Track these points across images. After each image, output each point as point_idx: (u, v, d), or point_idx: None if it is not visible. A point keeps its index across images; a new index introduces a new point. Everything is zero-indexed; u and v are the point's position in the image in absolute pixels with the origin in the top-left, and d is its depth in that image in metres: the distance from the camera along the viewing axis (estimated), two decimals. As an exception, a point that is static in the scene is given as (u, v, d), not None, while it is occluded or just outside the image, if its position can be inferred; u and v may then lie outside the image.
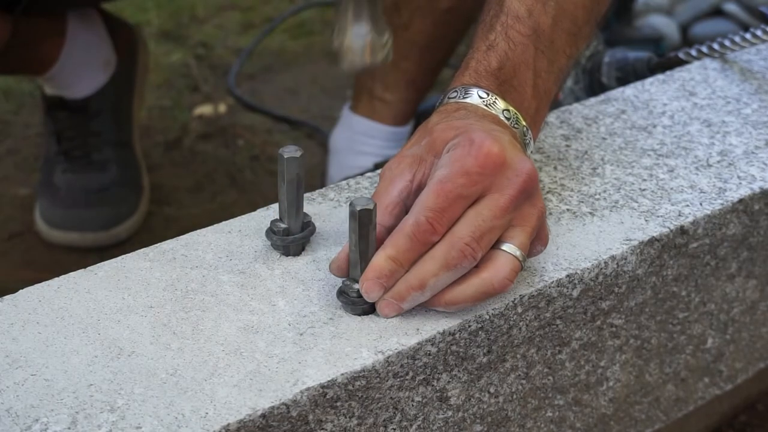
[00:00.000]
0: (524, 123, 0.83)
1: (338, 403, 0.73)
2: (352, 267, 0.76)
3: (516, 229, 0.76)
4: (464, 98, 0.82)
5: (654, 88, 1.08)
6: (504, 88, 0.83)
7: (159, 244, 0.84)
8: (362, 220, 0.74)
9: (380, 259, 0.74)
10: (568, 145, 0.98)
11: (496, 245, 0.75)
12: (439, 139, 0.78)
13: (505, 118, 0.81)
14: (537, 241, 0.78)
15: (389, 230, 0.76)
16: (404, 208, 0.77)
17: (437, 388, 0.79)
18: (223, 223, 0.86)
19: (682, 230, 0.89)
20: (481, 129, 0.77)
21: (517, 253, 0.75)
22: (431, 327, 0.76)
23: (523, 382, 0.85)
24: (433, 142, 0.78)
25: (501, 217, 0.74)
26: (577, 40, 0.89)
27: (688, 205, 0.90)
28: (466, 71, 0.84)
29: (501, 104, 0.82)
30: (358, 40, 0.67)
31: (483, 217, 0.74)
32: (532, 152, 0.85)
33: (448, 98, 0.83)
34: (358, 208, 0.73)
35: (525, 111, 0.83)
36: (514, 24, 0.85)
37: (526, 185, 0.75)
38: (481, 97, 0.82)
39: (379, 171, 0.85)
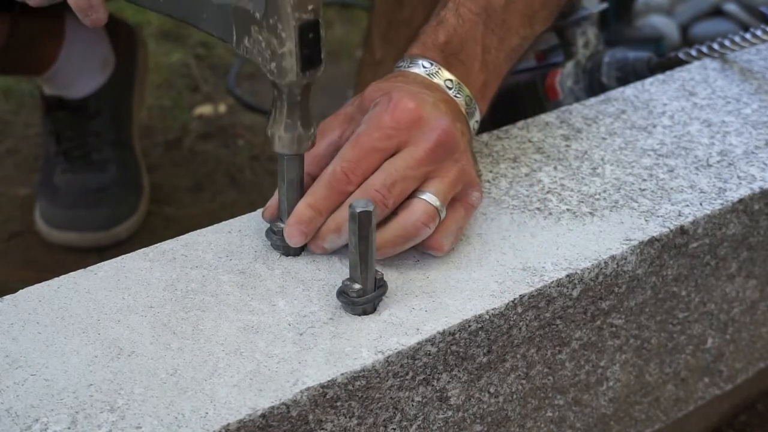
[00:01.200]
0: (468, 93, 0.88)
1: (338, 403, 0.73)
2: (352, 267, 0.76)
3: (433, 180, 0.81)
4: (408, 67, 0.88)
5: (654, 88, 1.08)
6: (450, 61, 0.88)
7: (159, 244, 0.84)
8: (362, 222, 0.74)
9: (301, 207, 0.80)
10: (568, 145, 0.98)
11: (413, 195, 0.80)
12: (367, 99, 0.84)
13: (447, 87, 0.87)
14: (469, 188, 0.83)
15: (314, 179, 0.81)
16: (330, 160, 0.82)
17: (437, 388, 0.79)
18: (223, 223, 0.86)
19: (682, 230, 0.89)
20: (403, 90, 0.83)
21: (432, 199, 0.80)
22: (431, 327, 0.76)
23: (523, 382, 0.85)
24: (362, 102, 0.85)
25: (415, 168, 0.80)
26: (532, 21, 0.94)
27: (688, 205, 0.90)
28: (416, 43, 0.90)
29: (445, 74, 0.87)
30: (288, 132, 0.78)
31: (395, 167, 0.79)
32: (477, 122, 0.89)
33: (396, 67, 0.89)
34: (358, 210, 0.73)
35: (471, 83, 0.88)
36: (465, 2, 0.90)
37: (442, 140, 0.81)
38: (424, 67, 0.87)
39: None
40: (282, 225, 0.82)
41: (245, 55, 0.77)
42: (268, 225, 0.83)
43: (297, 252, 0.83)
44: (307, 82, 0.76)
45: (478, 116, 0.89)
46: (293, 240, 0.80)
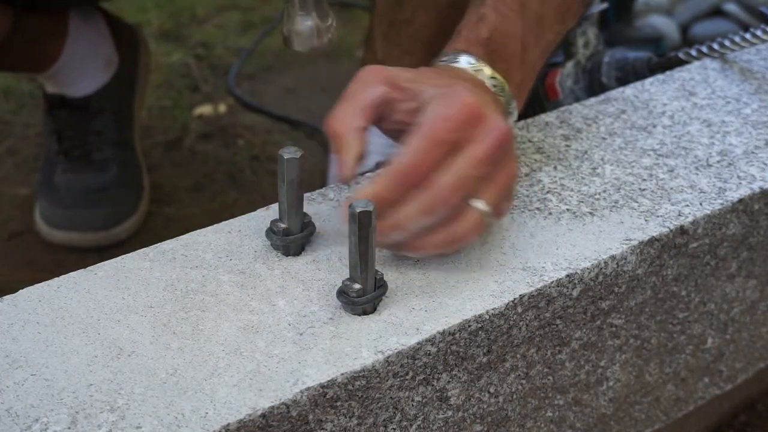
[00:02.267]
0: (509, 92, 0.86)
1: (338, 403, 0.73)
2: (352, 268, 0.76)
3: (488, 185, 0.79)
4: (454, 62, 0.86)
5: (654, 88, 1.08)
6: (492, 57, 0.86)
7: (159, 244, 0.84)
8: (362, 222, 0.74)
9: (363, 194, 0.77)
10: (568, 145, 0.98)
11: (466, 198, 0.78)
12: (426, 77, 0.82)
13: (492, 85, 0.85)
14: (506, 201, 0.82)
15: (360, 131, 0.79)
16: (376, 114, 0.80)
17: (437, 388, 0.79)
18: (223, 223, 0.86)
19: (682, 230, 0.89)
20: (464, 86, 0.81)
21: (486, 208, 0.78)
22: (431, 327, 0.76)
23: (523, 382, 0.85)
24: (420, 77, 0.82)
25: (478, 168, 0.77)
26: (565, 17, 0.93)
27: (688, 205, 0.90)
28: (457, 39, 0.88)
29: (488, 71, 0.86)
30: (305, 26, 0.73)
31: (460, 166, 0.77)
32: (515, 122, 0.89)
33: (440, 61, 0.87)
34: (358, 210, 0.73)
35: (511, 81, 0.87)
36: None
37: (502, 141, 0.78)
38: (470, 63, 0.86)
39: (379, 171, 0.86)
40: (282, 225, 0.82)
41: None
42: (268, 225, 0.83)
43: (297, 252, 0.83)
44: None
45: (515, 116, 0.88)
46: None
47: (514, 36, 0.88)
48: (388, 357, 0.74)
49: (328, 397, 0.72)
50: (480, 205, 0.78)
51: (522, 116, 1.02)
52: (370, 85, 0.81)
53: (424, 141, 0.77)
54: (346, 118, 0.80)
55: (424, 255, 0.80)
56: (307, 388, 0.71)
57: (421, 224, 0.77)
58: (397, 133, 0.83)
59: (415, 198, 0.77)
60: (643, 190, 0.92)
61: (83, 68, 1.50)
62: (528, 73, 0.89)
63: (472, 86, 0.82)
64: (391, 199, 0.77)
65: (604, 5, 1.27)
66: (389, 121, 0.82)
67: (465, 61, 0.86)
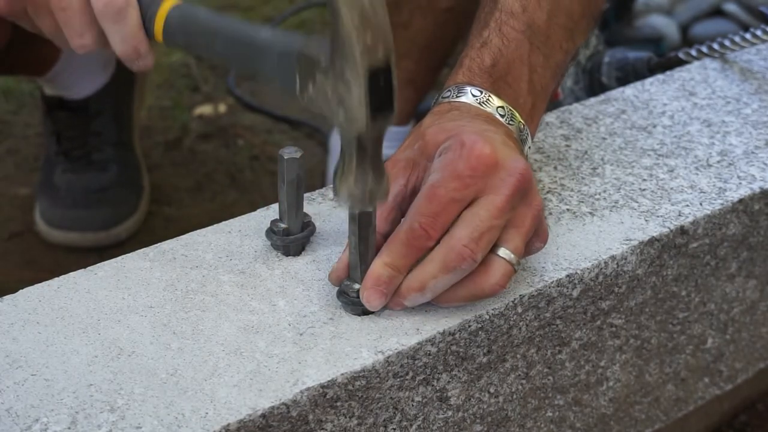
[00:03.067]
0: (520, 119, 0.83)
1: (338, 403, 0.73)
2: (352, 269, 0.76)
3: (511, 232, 0.75)
4: (457, 97, 0.82)
5: (654, 88, 1.08)
6: (498, 85, 0.83)
7: (159, 244, 0.84)
8: (362, 223, 0.74)
9: (378, 267, 0.74)
10: (568, 145, 0.98)
11: (491, 249, 0.75)
12: (431, 143, 0.78)
13: (500, 115, 0.81)
14: (535, 238, 0.78)
15: (386, 237, 0.76)
16: (400, 213, 0.77)
17: (437, 388, 0.79)
18: (223, 223, 0.86)
19: (682, 230, 0.89)
20: (472, 130, 0.77)
21: (511, 257, 0.75)
22: (431, 327, 0.76)
23: (523, 382, 0.85)
24: (426, 146, 0.78)
25: (498, 218, 0.74)
26: (573, 35, 0.89)
27: (688, 205, 0.90)
28: (460, 70, 0.84)
29: (495, 101, 0.82)
30: (359, 187, 0.71)
31: (480, 218, 0.74)
32: (530, 148, 0.85)
33: (442, 98, 0.84)
34: (358, 211, 0.73)
35: (521, 107, 0.83)
36: (508, 20, 0.85)
37: (520, 184, 0.75)
38: (474, 96, 0.82)
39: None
40: (282, 225, 0.82)
41: (309, 106, 0.71)
42: (268, 225, 0.83)
43: (297, 252, 0.83)
44: (378, 132, 0.70)
45: (530, 142, 0.84)
46: (373, 303, 0.75)
47: (520, 59, 0.84)
48: (388, 357, 0.74)
49: (328, 397, 0.72)
50: (503, 254, 0.75)
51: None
52: (390, 184, 0.77)
53: (432, 202, 0.74)
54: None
55: (451, 307, 0.77)
56: (307, 388, 0.71)
57: (447, 282, 0.74)
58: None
59: (434, 256, 0.74)
60: (643, 190, 0.92)
61: (81, 70, 1.49)
62: (539, 97, 0.85)
63: (481, 127, 0.78)
64: (406, 265, 0.75)
65: (605, 5, 1.27)
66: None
67: (469, 94, 0.82)
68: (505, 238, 0.75)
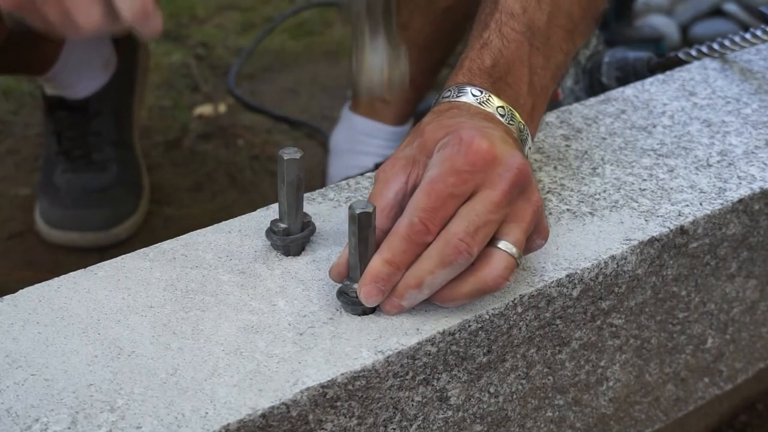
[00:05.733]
0: (520, 119, 0.83)
1: (338, 403, 0.73)
2: (352, 269, 0.76)
3: (511, 225, 0.76)
4: (458, 97, 0.83)
5: (654, 88, 1.08)
6: (498, 86, 0.83)
7: (159, 244, 0.84)
8: (362, 223, 0.74)
9: (377, 264, 0.74)
10: (568, 145, 0.98)
11: (491, 242, 0.75)
12: (430, 140, 0.78)
13: (500, 115, 0.82)
14: (536, 234, 0.79)
15: (386, 233, 0.76)
16: (400, 210, 0.77)
17: (437, 387, 0.79)
18: (223, 223, 0.86)
19: (682, 230, 0.89)
20: (470, 126, 0.77)
21: (513, 250, 0.75)
22: (431, 327, 0.76)
23: (523, 382, 0.85)
24: (425, 143, 0.78)
25: (495, 212, 0.74)
26: (573, 36, 0.90)
27: (688, 205, 0.90)
28: (460, 70, 0.84)
29: (495, 101, 0.82)
30: (377, 67, 0.69)
31: (476, 212, 0.74)
32: (530, 148, 0.85)
33: (442, 98, 0.84)
34: (358, 211, 0.73)
35: (521, 108, 0.84)
36: (508, 21, 0.85)
37: (518, 179, 0.75)
38: (474, 95, 0.82)
39: (379, 171, 0.85)
40: (282, 225, 0.82)
41: None
42: (268, 225, 0.83)
43: (297, 252, 0.83)
44: None
45: (530, 142, 0.85)
46: (371, 300, 0.75)
47: (520, 60, 0.84)
48: (388, 357, 0.74)
49: (328, 397, 0.72)
50: (504, 247, 0.75)
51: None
52: (389, 183, 0.78)
53: (431, 197, 0.74)
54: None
55: (455, 306, 0.77)
56: (307, 388, 0.71)
57: (444, 277, 0.74)
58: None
59: (430, 251, 0.74)
60: (643, 190, 0.92)
61: (82, 70, 1.50)
62: (539, 98, 0.86)
63: (480, 124, 0.78)
64: (405, 261, 0.74)
65: (605, 6, 1.27)
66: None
67: (469, 94, 0.82)
68: (505, 232, 0.75)
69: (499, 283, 0.75)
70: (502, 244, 0.75)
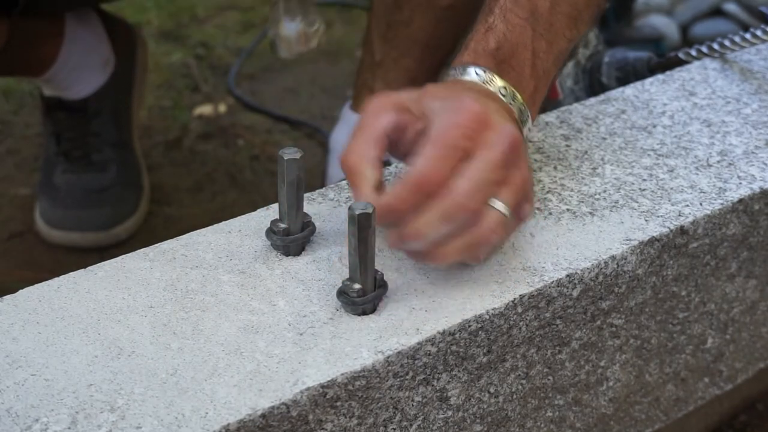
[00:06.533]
0: (522, 101, 0.85)
1: (338, 403, 0.73)
2: (352, 270, 0.76)
3: (503, 188, 0.78)
4: (462, 76, 0.85)
5: (654, 88, 1.08)
6: (502, 68, 0.86)
7: (159, 244, 0.84)
8: (361, 224, 0.74)
9: (384, 211, 0.76)
10: (568, 145, 0.98)
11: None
12: (430, 93, 0.81)
13: (502, 95, 0.84)
14: (523, 199, 0.80)
15: (375, 160, 0.78)
16: (387, 140, 0.79)
17: (437, 388, 0.79)
18: (223, 223, 0.86)
19: (682, 230, 0.89)
20: (470, 95, 0.80)
21: (502, 207, 0.77)
22: (431, 327, 0.76)
23: (523, 382, 0.85)
24: (424, 95, 0.81)
25: (493, 171, 0.77)
26: (577, 23, 0.92)
27: (688, 205, 0.90)
28: (466, 51, 0.87)
29: (498, 82, 0.85)
30: (291, 30, 0.69)
31: (479, 170, 0.76)
32: (530, 130, 0.87)
33: (448, 76, 0.86)
34: (357, 212, 0.73)
35: (523, 90, 0.86)
36: (512, 7, 0.88)
37: (514, 145, 0.78)
38: (478, 74, 0.85)
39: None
40: (282, 225, 0.82)
41: None
42: (268, 225, 0.83)
43: (297, 252, 0.83)
44: None
45: (530, 124, 0.87)
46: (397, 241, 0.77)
47: (523, 44, 0.87)
48: (388, 357, 0.74)
49: (328, 397, 0.72)
50: (498, 205, 0.77)
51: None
52: (380, 114, 0.80)
53: (437, 149, 0.76)
54: (360, 151, 0.78)
55: (448, 263, 0.78)
56: (307, 388, 0.71)
57: (442, 232, 0.76)
58: (410, 156, 0.81)
59: (433, 206, 0.76)
60: (643, 190, 0.92)
61: (80, 70, 1.49)
62: (541, 81, 0.88)
63: (480, 96, 0.81)
64: (407, 209, 0.76)
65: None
66: (402, 144, 0.81)
67: (473, 74, 0.85)
68: (498, 193, 0.78)
69: (489, 237, 0.77)
70: (494, 203, 0.77)
